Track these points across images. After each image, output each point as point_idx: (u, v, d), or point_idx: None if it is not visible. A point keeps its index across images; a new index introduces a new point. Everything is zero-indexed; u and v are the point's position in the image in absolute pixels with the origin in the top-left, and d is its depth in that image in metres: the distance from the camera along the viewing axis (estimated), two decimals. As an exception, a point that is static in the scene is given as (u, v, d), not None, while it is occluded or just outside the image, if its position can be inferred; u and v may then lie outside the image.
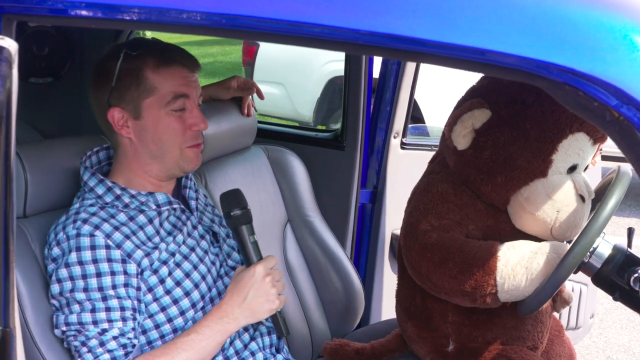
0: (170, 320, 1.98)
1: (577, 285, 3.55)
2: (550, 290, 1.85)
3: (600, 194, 2.04)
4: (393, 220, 3.21)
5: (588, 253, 1.84)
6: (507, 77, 1.15)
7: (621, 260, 1.85)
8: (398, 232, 3.15)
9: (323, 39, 1.18)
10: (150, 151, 2.01)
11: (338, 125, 3.27)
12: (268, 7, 1.16)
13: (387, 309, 3.23)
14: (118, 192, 1.99)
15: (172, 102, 1.97)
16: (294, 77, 7.87)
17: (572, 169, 1.99)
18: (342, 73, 3.15)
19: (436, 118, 5.80)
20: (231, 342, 2.07)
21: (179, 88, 1.98)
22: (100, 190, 1.99)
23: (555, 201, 1.96)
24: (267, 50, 8.01)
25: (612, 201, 1.79)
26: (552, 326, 2.30)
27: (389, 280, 3.23)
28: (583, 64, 1.06)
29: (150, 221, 2.01)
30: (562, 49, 1.07)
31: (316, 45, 1.25)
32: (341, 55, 3.46)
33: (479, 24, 1.09)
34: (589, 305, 3.65)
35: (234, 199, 2.04)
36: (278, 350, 2.21)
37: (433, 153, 2.26)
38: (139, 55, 1.98)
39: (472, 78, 2.08)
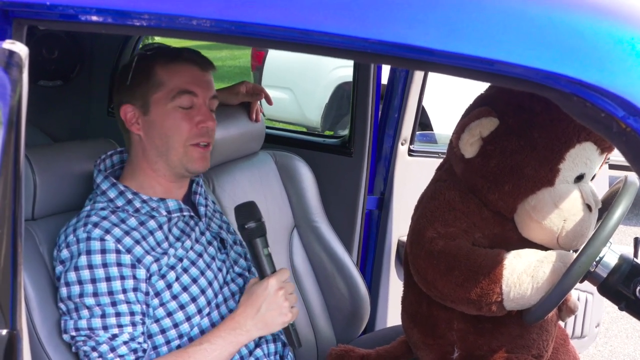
0: (176, 325, 1.98)
1: (583, 294, 3.54)
2: (556, 299, 1.85)
3: (607, 204, 2.03)
4: (399, 227, 3.21)
5: (594, 262, 1.84)
6: (515, 87, 1.15)
7: (627, 270, 1.85)
8: (404, 239, 3.16)
9: (332, 47, 1.18)
10: (157, 147, 2.01)
11: (346, 131, 3.28)
12: (277, 14, 1.16)
13: (392, 315, 3.23)
14: (130, 196, 2.00)
15: (178, 98, 1.98)
16: (302, 83, 7.87)
17: (579, 178, 1.98)
18: (350, 79, 3.15)
19: (444, 125, 5.80)
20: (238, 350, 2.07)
21: (186, 85, 1.99)
22: (112, 194, 2.00)
23: (562, 210, 1.95)
24: (276, 56, 8.02)
25: (619, 211, 1.79)
26: (557, 335, 2.29)
27: (394, 287, 3.23)
28: (591, 75, 1.06)
29: (160, 227, 2.01)
30: (570, 60, 1.07)
31: (325, 53, 1.25)
32: (350, 62, 3.46)
33: (487, 34, 1.09)
34: (594, 314, 3.64)
35: (248, 212, 2.04)
36: (282, 358, 2.22)
37: (440, 160, 2.26)
38: (152, 55, 2.03)
39: (480, 85, 2.08)
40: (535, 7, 1.10)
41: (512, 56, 1.08)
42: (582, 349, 3.75)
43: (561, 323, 2.35)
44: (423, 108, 3.54)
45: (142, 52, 2.05)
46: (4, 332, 1.21)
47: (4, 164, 1.11)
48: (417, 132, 3.32)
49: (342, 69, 7.29)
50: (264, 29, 1.18)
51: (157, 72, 2.00)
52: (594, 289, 1.92)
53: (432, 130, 6.19)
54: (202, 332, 2.01)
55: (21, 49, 1.14)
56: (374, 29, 1.11)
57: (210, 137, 2.05)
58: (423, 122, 5.22)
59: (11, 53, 1.12)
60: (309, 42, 1.18)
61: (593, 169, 2.00)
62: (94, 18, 1.30)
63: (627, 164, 1.15)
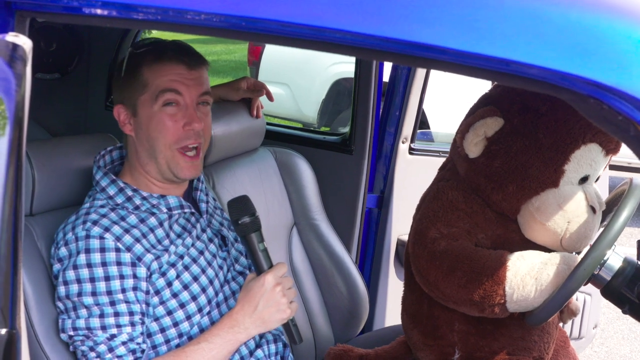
0: (176, 324, 1.96)
1: (581, 295, 3.53)
2: (559, 302, 1.84)
3: (611, 206, 2.02)
4: (399, 225, 3.20)
5: (598, 265, 1.82)
6: (530, 88, 1.12)
7: (631, 274, 1.84)
8: (404, 237, 3.15)
9: (343, 45, 1.16)
10: (146, 150, 1.99)
11: (345, 129, 3.26)
12: (289, 10, 1.14)
13: (390, 314, 3.22)
14: (130, 193, 1.98)
15: (161, 97, 1.94)
16: (299, 78, 7.85)
17: (584, 179, 1.97)
18: (347, 75, 3.14)
19: (441, 123, 5.79)
20: (237, 349, 2.04)
21: (168, 83, 1.95)
22: (111, 191, 1.97)
23: (566, 212, 1.94)
24: (273, 51, 7.99)
25: (625, 214, 1.78)
26: (557, 337, 2.28)
27: (393, 286, 3.22)
28: (609, 77, 1.04)
29: (161, 224, 1.99)
30: (589, 61, 1.05)
31: (336, 51, 1.22)
32: (347, 58, 3.44)
33: (504, 35, 1.08)
34: (592, 316, 3.63)
35: (242, 206, 2.00)
36: (283, 359, 2.20)
37: (441, 159, 2.24)
38: (141, 53, 1.98)
39: (477, 83, 2.06)
40: (553, 7, 1.09)
41: (529, 57, 1.06)
42: (579, 350, 3.74)
43: (560, 324, 2.34)
44: (421, 106, 3.52)
45: (132, 51, 2.00)
46: (3, 331, 1.18)
47: (10, 161, 1.08)
48: (418, 131, 3.30)
49: (339, 65, 7.27)
50: (275, 25, 1.15)
51: (143, 73, 1.96)
52: (592, 290, 1.91)
53: (429, 128, 6.17)
54: (202, 331, 1.98)
55: (25, 42, 1.12)
56: (388, 26, 1.09)
57: (198, 138, 1.99)
58: (420, 120, 5.20)
59: (15, 46, 1.10)
60: (320, 39, 1.16)
61: (598, 170, 1.99)
62: (99, 11, 1.27)
63: (627, 164, 1.14)
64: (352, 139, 3.09)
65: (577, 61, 1.05)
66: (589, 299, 3.55)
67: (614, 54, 1.05)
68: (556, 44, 1.06)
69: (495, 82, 2.08)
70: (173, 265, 1.96)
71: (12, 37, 1.12)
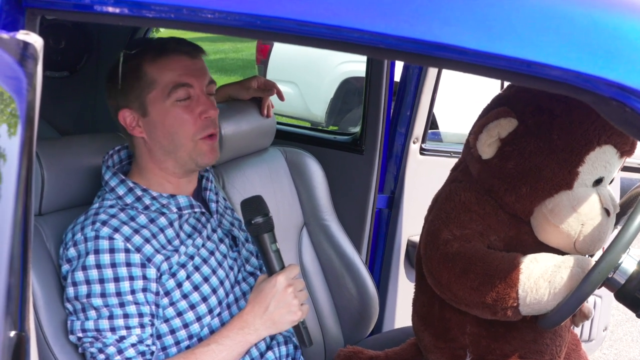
0: (186, 325, 1.95)
1: (592, 297, 3.51)
2: (573, 306, 1.82)
3: (625, 208, 2.00)
4: (409, 226, 3.18)
5: (612, 269, 1.80)
6: (552, 90, 1.11)
7: (646, 278, 1.82)
8: (414, 238, 3.13)
9: (362, 45, 1.14)
10: (163, 147, 1.97)
11: (354, 128, 3.25)
12: (306, 9, 1.13)
13: (400, 316, 3.20)
14: (139, 193, 1.96)
15: (174, 92, 1.92)
16: (307, 77, 7.84)
17: (598, 181, 1.95)
18: (355, 74, 3.14)
19: (450, 123, 5.77)
20: (247, 351, 2.03)
21: (179, 77, 1.94)
22: (121, 191, 1.96)
23: (580, 214, 1.92)
24: (281, 49, 7.99)
25: (640, 217, 1.75)
26: (569, 340, 2.27)
27: (403, 287, 3.20)
28: (632, 79, 1.02)
29: (171, 224, 1.98)
30: (613, 63, 1.03)
31: (354, 51, 1.21)
32: (356, 56, 3.42)
33: (526, 35, 1.06)
34: (602, 318, 3.61)
35: (255, 206, 1.99)
36: (294, 360, 2.19)
37: (452, 160, 2.22)
38: (138, 53, 1.96)
39: (484, 83, 2.04)
40: (575, 7, 1.07)
41: (551, 58, 1.04)
42: (589, 353, 3.71)
43: (572, 327, 2.32)
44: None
45: (127, 52, 1.97)
46: (13, 334, 1.17)
47: (22, 161, 1.07)
48: (429, 131, 3.29)
49: (347, 64, 7.25)
50: (290, 24, 1.14)
51: (147, 71, 1.94)
52: (602, 292, 1.89)
53: (437, 128, 6.15)
54: (213, 332, 1.97)
55: (36, 40, 1.10)
56: (406, 26, 1.08)
57: (215, 126, 2.00)
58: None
59: (26, 44, 1.08)
60: (337, 39, 1.14)
61: (612, 172, 1.98)
62: (110, 9, 1.26)
63: (637, 165, 1.12)
64: (363, 139, 3.07)
65: (600, 63, 1.03)
66: (599, 301, 3.54)
67: (637, 55, 1.03)
68: (579, 45, 1.05)
69: (509, 83, 2.06)
70: (183, 265, 1.95)
71: (23, 35, 1.10)
